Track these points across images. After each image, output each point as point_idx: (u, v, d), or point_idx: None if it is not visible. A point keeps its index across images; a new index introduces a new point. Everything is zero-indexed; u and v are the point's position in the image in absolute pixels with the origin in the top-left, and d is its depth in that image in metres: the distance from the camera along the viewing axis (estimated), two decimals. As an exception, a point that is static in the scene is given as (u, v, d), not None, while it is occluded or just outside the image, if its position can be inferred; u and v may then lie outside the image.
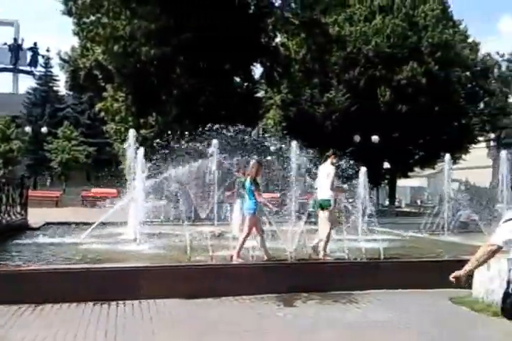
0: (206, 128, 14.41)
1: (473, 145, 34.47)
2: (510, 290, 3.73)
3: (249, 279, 7.35)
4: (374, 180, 27.31)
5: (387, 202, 38.44)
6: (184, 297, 6.91)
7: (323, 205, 8.61)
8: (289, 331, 5.80)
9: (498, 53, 35.78)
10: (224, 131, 14.07)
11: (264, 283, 7.36)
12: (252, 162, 8.73)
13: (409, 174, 37.33)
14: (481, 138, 35.30)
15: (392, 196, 37.15)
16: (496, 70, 35.79)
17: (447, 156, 14.86)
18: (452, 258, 8.57)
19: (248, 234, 8.12)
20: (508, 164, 14.79)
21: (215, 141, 13.27)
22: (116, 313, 6.26)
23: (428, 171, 40.78)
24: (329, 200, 8.54)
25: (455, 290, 7.26)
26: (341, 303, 7.01)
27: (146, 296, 6.82)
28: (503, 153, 15.88)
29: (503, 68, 35.79)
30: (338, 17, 28.45)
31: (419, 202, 43.91)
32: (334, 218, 8.80)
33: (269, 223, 8.89)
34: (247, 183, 8.12)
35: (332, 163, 8.80)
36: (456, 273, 3.86)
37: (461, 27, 33.74)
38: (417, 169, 36.97)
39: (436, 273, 7.79)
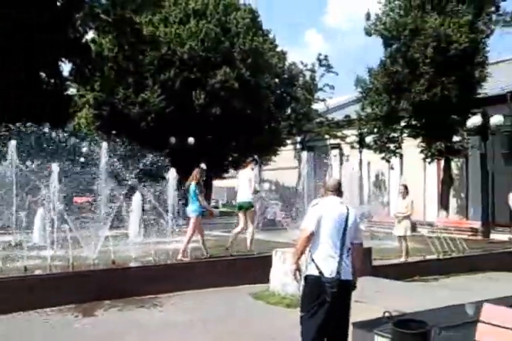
0: (5, 127, 13.13)
1: (282, 148, 37.01)
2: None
3: (48, 290, 6.83)
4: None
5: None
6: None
7: (243, 207, 9.54)
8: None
9: (302, 63, 38.98)
10: (28, 131, 12.99)
11: (64, 294, 6.91)
12: (196, 169, 9.63)
13: (225, 175, 38.65)
14: (288, 141, 38.07)
15: (208, 197, 38.05)
16: (301, 79, 38.95)
17: (254, 158, 15.66)
18: (255, 256, 9.06)
19: (192, 235, 8.54)
20: (308, 165, 16.17)
21: (13, 142, 12.11)
22: None
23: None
24: (250, 202, 9.51)
25: (257, 286, 7.71)
26: (145, 308, 6.92)
27: None
28: (305, 154, 17.36)
29: (307, 77, 39.09)
30: (153, 17, 28.19)
31: (234, 202, 45.76)
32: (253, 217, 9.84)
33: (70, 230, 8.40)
34: (192, 187, 8.74)
35: (252, 169, 9.91)
36: (291, 267, 4.26)
37: (270, 36, 35.99)
38: (232, 170, 38.45)
39: (244, 270, 8.20)
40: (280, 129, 35.73)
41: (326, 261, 4.09)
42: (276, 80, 37.06)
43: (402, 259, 10.37)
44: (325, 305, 3.99)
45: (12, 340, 5.59)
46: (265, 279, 7.67)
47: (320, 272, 4.04)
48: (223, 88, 28.60)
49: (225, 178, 39.21)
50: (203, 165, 10.96)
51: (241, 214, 9.71)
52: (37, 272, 7.38)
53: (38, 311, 6.58)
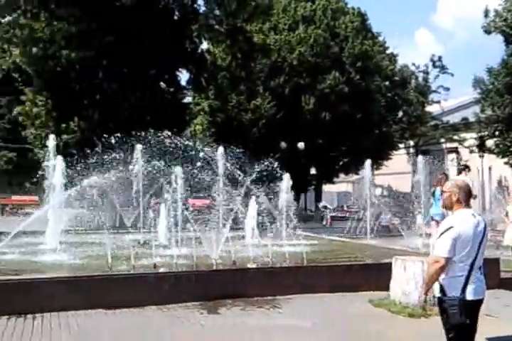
0: (131, 134, 14.15)
1: (394, 152, 36.00)
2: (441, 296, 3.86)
3: (175, 287, 7.25)
4: (301, 186, 27.86)
5: (314, 207, 39.23)
6: (106, 307, 6.72)
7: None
8: (210, 338, 5.81)
9: (414, 64, 37.71)
10: (150, 137, 13.87)
11: (189, 291, 7.30)
12: (441, 175, 11.07)
13: (335, 180, 38.36)
14: (401, 145, 36.94)
15: (318, 201, 38.00)
16: (413, 81, 37.67)
17: (368, 162, 15.41)
18: (373, 262, 8.92)
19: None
20: (424, 170, 15.56)
21: (138, 146, 13.02)
22: (32, 327, 5.98)
23: (353, 177, 42.12)
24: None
25: (375, 293, 7.59)
26: (265, 309, 7.08)
27: (64, 308, 6.57)
28: (420, 159, 16.72)
29: (420, 79, 37.74)
30: (263, 25, 28.89)
31: (345, 206, 45.14)
32: None
33: (194, 230, 8.86)
34: (437, 192, 9.67)
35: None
36: (421, 296, 4.14)
37: (380, 39, 35.28)
38: (342, 175, 38.08)
39: (360, 276, 8.11)
40: (392, 133, 34.82)
41: (458, 282, 3.79)
42: (387, 83, 36.18)
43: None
44: (465, 327, 3.80)
45: (146, 331, 5.98)
46: (383, 286, 7.52)
47: (457, 294, 3.78)
48: (332, 92, 28.54)
49: (334, 183, 38.94)
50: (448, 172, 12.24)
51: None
52: (161, 269, 7.83)
53: (167, 307, 6.99)
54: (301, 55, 28.89)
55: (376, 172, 37.34)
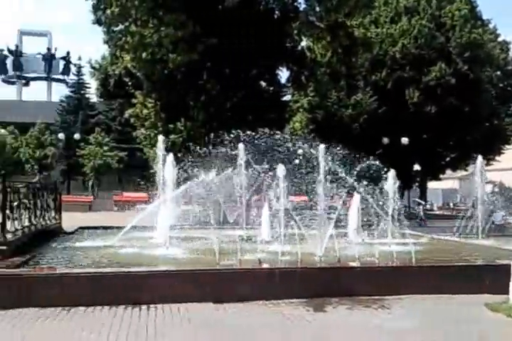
0: (233, 133, 14.51)
1: (507, 146, 33.71)
2: None
3: (280, 283, 7.34)
4: (404, 183, 26.92)
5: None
6: (212, 301, 6.95)
7: None
8: (318, 336, 5.79)
9: (529, 52, 34.94)
10: (251, 136, 14.14)
11: (294, 287, 7.35)
12: None
13: (441, 176, 36.68)
14: (514, 139, 34.48)
15: (423, 199, 36.59)
16: (528, 69, 34.96)
17: (479, 158, 14.52)
18: (489, 263, 8.42)
19: None
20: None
21: (241, 145, 13.32)
22: (147, 317, 6.34)
23: (460, 173, 40.02)
24: None
25: (490, 296, 7.15)
26: (373, 308, 6.94)
27: (175, 300, 6.89)
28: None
29: (536, 67, 34.91)
30: (364, 19, 28.29)
31: (451, 204, 43.05)
32: None
33: (298, 227, 8.89)
34: None
35: None
36: None
37: (491, 26, 33.14)
38: (448, 171, 36.33)
39: (473, 278, 7.69)
40: (504, 126, 32.61)
41: None
42: (499, 73, 33.86)
43: None
44: None
45: (255, 326, 6.11)
46: (499, 290, 7.06)
47: None
48: (439, 85, 27.33)
49: (440, 179, 37.24)
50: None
51: None
52: (266, 265, 7.94)
53: (272, 302, 7.09)
54: (404, 48, 27.98)
55: (486, 167, 35.21)
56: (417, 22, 28.63)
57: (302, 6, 22.76)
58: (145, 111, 26.02)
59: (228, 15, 20.45)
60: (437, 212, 38.68)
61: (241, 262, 7.84)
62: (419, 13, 29.44)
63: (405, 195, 33.35)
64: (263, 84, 23.77)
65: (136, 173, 35.33)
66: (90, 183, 43.94)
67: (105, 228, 12.85)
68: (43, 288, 6.77)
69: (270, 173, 11.18)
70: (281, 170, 10.00)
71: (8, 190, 9.00)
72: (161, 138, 13.97)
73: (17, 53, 60.18)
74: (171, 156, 11.64)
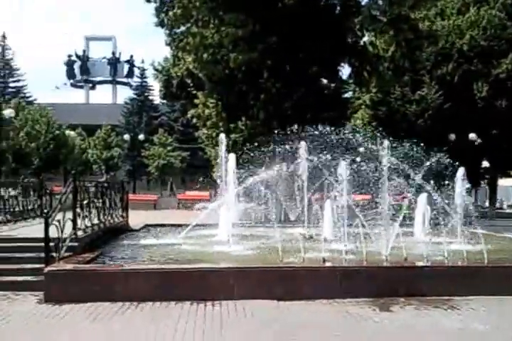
0: (294, 131, 14.44)
1: None
2: None
3: (344, 282, 7.21)
4: (472, 180, 25.86)
5: (487, 204, 36.28)
6: (276, 298, 6.92)
7: None
8: (385, 336, 5.63)
9: None
10: (313, 133, 14.02)
11: (359, 287, 7.20)
12: None
13: (512, 173, 34.99)
14: None
15: (492, 197, 35.03)
16: None
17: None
18: None
19: None
20: None
21: (302, 143, 13.23)
22: (212, 313, 6.40)
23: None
24: None
25: None
26: (442, 309, 6.68)
27: (239, 297, 6.92)
28: None
29: None
30: (429, 12, 27.38)
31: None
32: None
33: (362, 225, 8.69)
34: None
35: None
36: None
37: None
38: (520, 168, 34.57)
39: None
40: None
41: None
42: None
43: None
44: None
45: (318, 325, 6.03)
46: None
47: None
48: (510, 78, 25.99)
49: (511, 176, 35.53)
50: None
51: None
52: (330, 264, 7.81)
53: (336, 301, 6.97)
54: (472, 40, 26.83)
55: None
56: (486, 12, 27.36)
57: (364, 0, 22.33)
58: (207, 111, 26.40)
59: (288, 13, 20.34)
60: (507, 211, 36.94)
61: (304, 260, 7.76)
62: (488, 2, 28.14)
63: (473, 192, 32.06)
64: (324, 81, 23.48)
65: (199, 172, 36.04)
66: (169, 183, 45.37)
67: (171, 225, 13.13)
68: (118, 283, 6.98)
69: (332, 170, 11.03)
70: (343, 167, 9.83)
71: (79, 189, 9.36)
72: (222, 136, 14.11)
73: (84, 58, 62.85)
74: (233, 155, 11.73)
